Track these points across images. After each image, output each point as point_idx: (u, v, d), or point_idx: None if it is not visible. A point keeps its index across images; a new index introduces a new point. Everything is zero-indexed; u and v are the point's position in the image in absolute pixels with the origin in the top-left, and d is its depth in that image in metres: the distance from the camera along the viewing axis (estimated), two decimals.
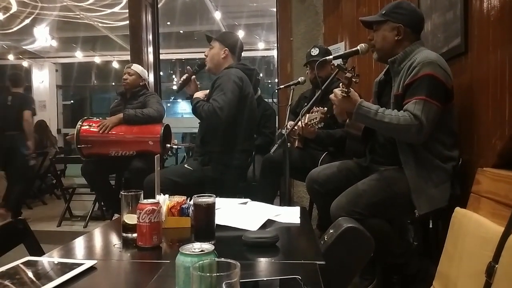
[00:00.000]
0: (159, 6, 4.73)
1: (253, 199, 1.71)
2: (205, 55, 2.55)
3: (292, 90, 2.84)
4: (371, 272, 1.98)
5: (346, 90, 1.69)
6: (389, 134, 1.72)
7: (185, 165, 2.45)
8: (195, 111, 2.39)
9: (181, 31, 7.77)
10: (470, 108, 1.71)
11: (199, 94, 2.46)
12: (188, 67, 2.60)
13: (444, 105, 1.65)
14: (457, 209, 1.41)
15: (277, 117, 3.89)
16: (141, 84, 3.48)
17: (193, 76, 2.55)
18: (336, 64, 1.80)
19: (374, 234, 1.47)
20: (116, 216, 3.39)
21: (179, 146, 4.33)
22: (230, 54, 2.51)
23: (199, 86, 2.60)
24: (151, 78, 4.31)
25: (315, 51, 2.75)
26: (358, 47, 1.80)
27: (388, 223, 1.74)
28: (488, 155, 1.52)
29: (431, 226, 1.88)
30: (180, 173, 2.37)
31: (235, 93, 2.34)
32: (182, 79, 2.57)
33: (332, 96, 1.78)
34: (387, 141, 1.80)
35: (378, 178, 1.76)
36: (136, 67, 3.50)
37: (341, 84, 1.72)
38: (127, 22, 4.52)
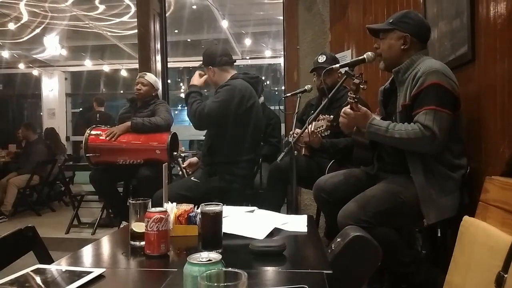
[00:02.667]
0: (167, 15, 4.78)
1: (260, 207, 1.71)
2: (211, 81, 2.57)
3: (298, 98, 2.84)
4: (379, 281, 1.96)
5: (354, 96, 1.71)
6: (404, 148, 1.71)
7: (192, 178, 2.47)
8: (186, 99, 2.44)
9: (189, 40, 7.81)
10: (478, 116, 1.70)
11: (197, 82, 2.50)
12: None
13: (454, 113, 1.64)
14: (466, 217, 1.40)
15: (283, 124, 3.89)
16: (153, 94, 3.49)
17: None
18: (344, 71, 1.81)
19: (382, 243, 1.46)
20: (124, 223, 3.40)
21: (187, 154, 4.35)
22: (216, 70, 2.50)
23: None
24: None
25: (322, 58, 2.76)
26: (365, 56, 1.81)
27: (396, 232, 1.73)
28: (496, 164, 1.51)
29: (439, 234, 1.87)
30: (187, 186, 2.39)
31: (227, 104, 2.35)
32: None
33: (343, 114, 1.78)
34: (395, 149, 1.80)
35: (386, 186, 1.76)
36: (150, 77, 3.49)
37: (349, 92, 1.73)
38: (136, 31, 4.56)
